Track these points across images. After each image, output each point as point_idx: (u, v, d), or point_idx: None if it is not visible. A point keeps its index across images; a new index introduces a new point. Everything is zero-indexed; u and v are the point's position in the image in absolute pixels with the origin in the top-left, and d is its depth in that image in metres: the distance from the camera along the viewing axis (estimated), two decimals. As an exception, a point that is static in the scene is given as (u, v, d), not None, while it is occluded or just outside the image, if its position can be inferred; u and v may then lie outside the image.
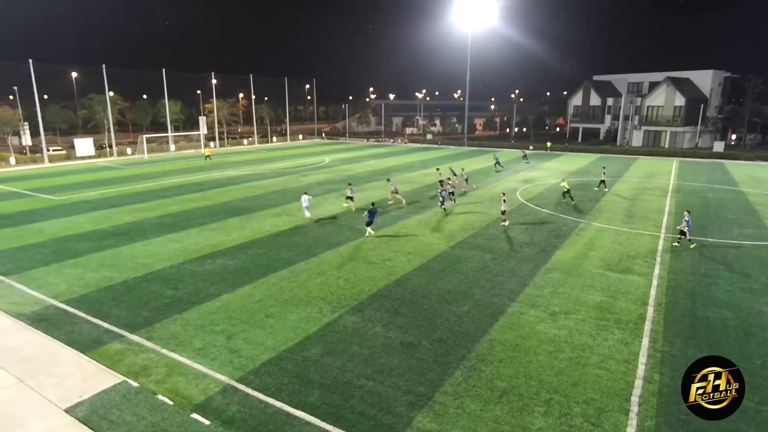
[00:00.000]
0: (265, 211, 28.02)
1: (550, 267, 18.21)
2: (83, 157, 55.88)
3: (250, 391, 10.62)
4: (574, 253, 19.84)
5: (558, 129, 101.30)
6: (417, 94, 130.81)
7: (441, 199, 27.88)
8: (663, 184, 38.11)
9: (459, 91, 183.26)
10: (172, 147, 66.18)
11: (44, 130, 55.59)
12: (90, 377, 11.08)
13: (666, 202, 30.54)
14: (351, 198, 28.51)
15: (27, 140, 54.90)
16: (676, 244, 21.12)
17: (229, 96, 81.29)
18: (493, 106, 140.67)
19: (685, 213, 21.47)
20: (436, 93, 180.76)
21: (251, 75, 77.39)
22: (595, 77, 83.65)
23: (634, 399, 10.40)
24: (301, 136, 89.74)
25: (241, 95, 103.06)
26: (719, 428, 9.51)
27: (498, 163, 46.56)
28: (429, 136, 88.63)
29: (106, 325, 13.67)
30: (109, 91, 60.24)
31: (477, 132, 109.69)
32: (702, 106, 67.38)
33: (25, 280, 16.97)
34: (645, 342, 12.73)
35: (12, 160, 51.64)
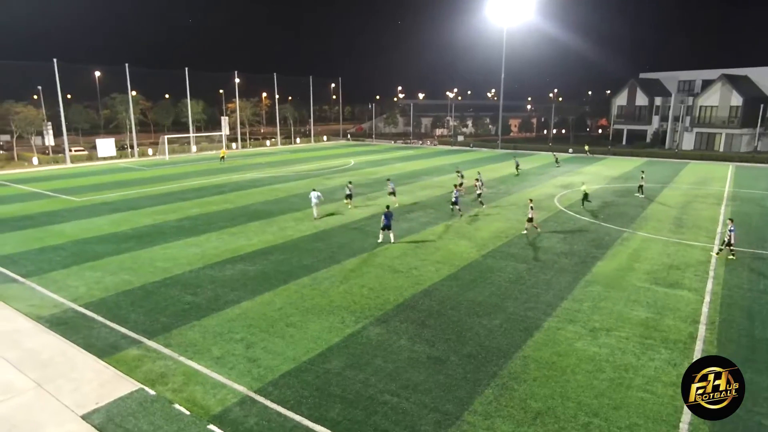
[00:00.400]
0: (287, 215, 28.38)
1: (591, 279, 17.82)
2: (105, 158, 57.90)
3: (268, 403, 10.73)
4: (616, 265, 19.38)
5: (600, 131, 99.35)
6: (448, 93, 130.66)
7: (454, 199, 28.01)
8: (717, 191, 36.86)
9: (493, 90, 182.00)
10: (194, 148, 67.90)
11: (66, 130, 57.86)
12: (107, 383, 11.41)
13: (720, 211, 29.52)
14: (350, 196, 30.38)
15: (50, 140, 57.20)
16: (731, 257, 20.38)
17: (252, 96, 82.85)
18: (529, 106, 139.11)
19: (729, 222, 20.85)
20: (468, 92, 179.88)
21: (275, 74, 78.83)
22: (642, 75, 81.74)
23: (684, 426, 10.05)
24: (325, 138, 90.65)
25: (264, 95, 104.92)
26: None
27: (517, 166, 46.42)
28: (460, 138, 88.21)
29: (123, 330, 14.07)
30: (131, 90, 62.32)
31: (512, 134, 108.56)
32: (762, 106, 64.93)
33: (45, 283, 17.65)
34: (695, 364, 12.29)
35: (35, 160, 53.97)
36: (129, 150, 62.40)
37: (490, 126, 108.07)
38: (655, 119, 76.37)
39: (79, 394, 11.07)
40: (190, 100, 70.12)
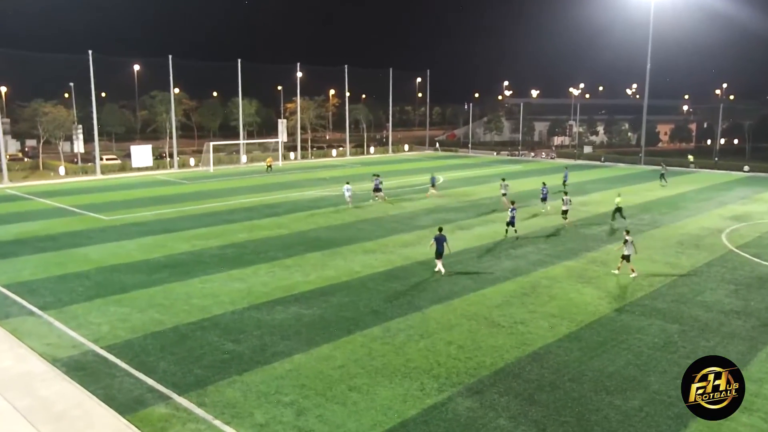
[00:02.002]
0: (355, 245, 28.87)
1: (776, 351, 16.45)
2: (139, 168, 62.47)
3: (322, 490, 10.77)
4: (816, 333, 17.75)
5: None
6: (571, 89, 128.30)
7: (510, 218, 30.01)
8: None
9: (634, 86, 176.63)
10: (244, 158, 71.49)
11: (98, 135, 63.11)
12: (127, 447, 12.00)
13: None
14: (379, 190, 39.86)
15: (80, 147, 62.61)
16: None
17: (316, 93, 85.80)
18: (686, 107, 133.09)
19: None
20: (600, 88, 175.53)
21: (346, 66, 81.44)
22: None
23: None
24: (406, 147, 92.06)
25: (331, 92, 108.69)
26: None
27: (564, 181, 46.82)
28: (587, 149, 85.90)
29: (150, 381, 14.83)
30: (173, 87, 66.95)
31: (661, 144, 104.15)
32: None
33: (64, 317, 19.11)
34: None
35: (61, 170, 59.32)
36: (168, 159, 66.86)
37: (629, 134, 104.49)
38: None
39: (95, 457, 11.71)
40: (242, 99, 73.94)
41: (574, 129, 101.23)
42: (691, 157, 68.23)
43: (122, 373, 15.28)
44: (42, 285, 22.61)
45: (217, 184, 52.37)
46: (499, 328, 18.20)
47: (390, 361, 15.90)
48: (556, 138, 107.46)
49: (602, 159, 75.81)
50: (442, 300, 20.73)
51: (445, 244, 23.76)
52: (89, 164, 62.73)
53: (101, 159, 62.61)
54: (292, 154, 77.28)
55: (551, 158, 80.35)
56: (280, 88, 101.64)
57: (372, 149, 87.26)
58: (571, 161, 75.79)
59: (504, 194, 40.49)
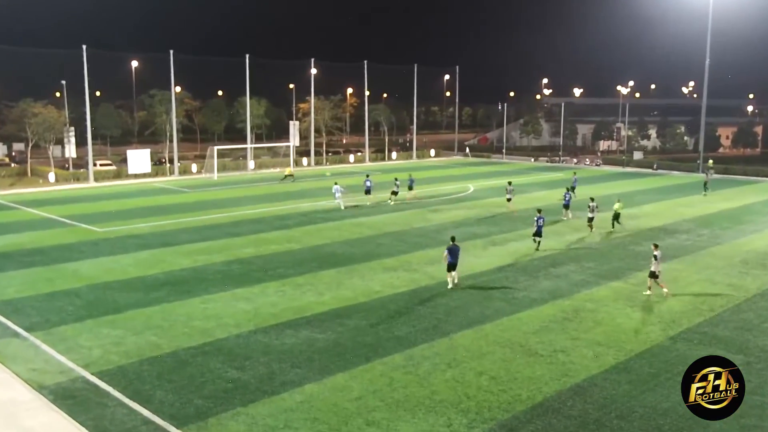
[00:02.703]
0: (374, 261, 28.91)
1: None
2: (136, 175, 63.22)
3: None
4: None
5: None
6: (619, 88, 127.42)
7: (537, 228, 30.84)
8: None
9: (691, 84, 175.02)
10: (251, 164, 72.04)
11: (92, 138, 63.99)
12: (120, 486, 12.05)
13: None
14: (396, 193, 44.83)
15: (71, 151, 63.50)
16: None
17: (331, 92, 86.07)
18: (750, 108, 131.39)
19: None
20: (652, 87, 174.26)
21: (365, 62, 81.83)
22: None
23: None
24: (432, 152, 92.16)
25: (349, 91, 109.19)
26: None
27: (575, 188, 46.76)
28: (638, 155, 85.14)
29: (146, 412, 14.90)
30: (174, 85, 67.78)
31: (722, 149, 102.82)
32: None
33: (52, 340, 19.32)
34: None
35: (51, 176, 60.27)
36: (167, 165, 67.60)
37: (685, 138, 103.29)
38: None
39: (84, 497, 11.77)
40: (250, 98, 74.49)
41: (623, 132, 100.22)
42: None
43: (115, 403, 15.38)
44: (28, 303, 22.91)
45: (222, 193, 52.84)
46: (537, 357, 18.05)
47: (413, 392, 15.83)
48: (601, 142, 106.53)
49: (655, 166, 75.11)
50: (472, 324, 20.62)
51: (458, 256, 24.57)
52: (81, 170, 63.68)
53: (95, 165, 63.51)
54: (305, 160, 77.54)
55: (596, 165, 79.77)
56: (292, 86, 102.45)
57: (394, 154, 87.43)
58: (619, 168, 75.26)
59: (509, 199, 42.98)
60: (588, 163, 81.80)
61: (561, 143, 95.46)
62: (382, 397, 15.65)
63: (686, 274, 27.09)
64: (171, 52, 65.20)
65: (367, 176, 48.05)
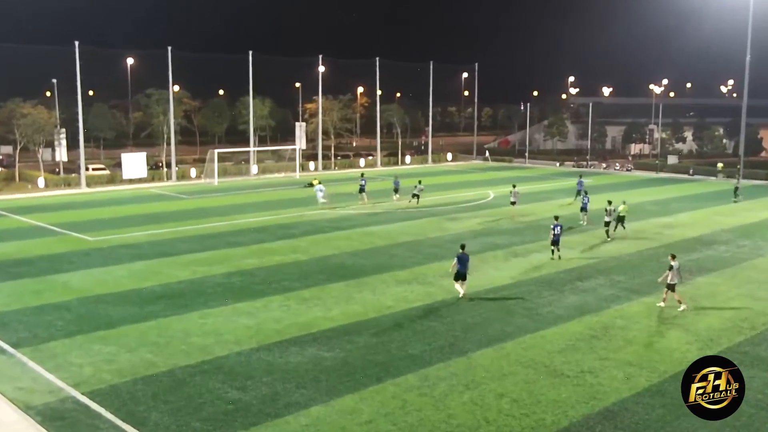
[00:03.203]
0: (386, 274, 28.92)
1: None
2: (131, 181, 63.54)
3: None
4: None
5: None
6: (652, 87, 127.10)
7: (554, 237, 31.12)
8: None
9: (730, 83, 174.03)
10: (254, 168, 72.22)
11: (85, 141, 64.39)
12: None
13: None
14: (418, 196, 47.41)
15: (62, 155, 63.89)
16: None
17: (341, 92, 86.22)
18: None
19: None
20: (688, 86, 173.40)
21: (377, 59, 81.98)
22: None
23: None
24: (449, 156, 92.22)
25: (360, 90, 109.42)
26: None
27: (581, 192, 46.16)
28: (672, 159, 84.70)
29: (140, 435, 14.93)
30: (172, 84, 68.16)
31: (765, 153, 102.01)
32: None
33: (40, 357, 19.40)
34: None
35: (41, 182, 60.68)
36: (165, 170, 67.92)
37: (724, 140, 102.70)
38: None
39: None
40: (254, 98, 74.78)
41: (656, 135, 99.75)
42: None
43: (107, 425, 15.40)
44: (15, 318, 23.02)
45: (223, 200, 53.01)
46: (563, 379, 17.97)
47: (428, 416, 15.79)
48: (633, 146, 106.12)
49: (690, 171, 74.81)
50: (492, 343, 20.56)
51: (467, 265, 25.17)
52: (73, 175, 64.01)
53: (87, 169, 63.88)
54: (312, 164, 77.81)
55: (627, 170, 79.47)
56: (298, 85, 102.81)
57: (408, 158, 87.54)
58: (652, 174, 74.91)
59: (513, 202, 44.38)
60: (618, 168, 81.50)
61: (588, 146, 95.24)
62: (395, 420, 15.59)
63: (725, 289, 26.91)
64: (169, 48, 65.66)
65: (362, 175, 52.14)
